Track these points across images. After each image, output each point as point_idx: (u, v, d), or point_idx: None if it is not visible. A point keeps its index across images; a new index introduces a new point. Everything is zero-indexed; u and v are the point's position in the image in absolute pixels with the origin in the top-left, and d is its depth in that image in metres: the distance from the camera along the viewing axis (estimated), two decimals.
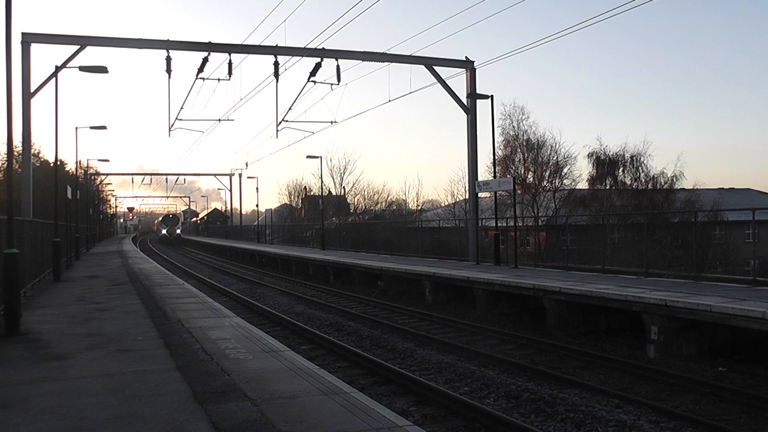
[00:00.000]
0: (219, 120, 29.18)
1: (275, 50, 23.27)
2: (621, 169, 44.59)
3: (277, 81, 23.78)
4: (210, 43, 22.76)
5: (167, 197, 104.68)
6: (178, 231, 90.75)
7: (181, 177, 77.28)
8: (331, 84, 24.26)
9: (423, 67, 24.88)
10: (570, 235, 26.27)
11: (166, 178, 78.99)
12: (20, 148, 21.70)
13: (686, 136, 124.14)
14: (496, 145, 32.98)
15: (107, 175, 72.63)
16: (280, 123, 26.57)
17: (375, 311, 18.82)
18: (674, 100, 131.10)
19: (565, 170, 44.82)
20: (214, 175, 78.09)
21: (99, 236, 62.80)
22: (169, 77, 22.65)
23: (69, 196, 27.99)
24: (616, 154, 44.62)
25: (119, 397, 6.25)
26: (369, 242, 35.35)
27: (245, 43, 23.57)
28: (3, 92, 10.43)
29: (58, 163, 27.43)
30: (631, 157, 44.41)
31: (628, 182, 44.46)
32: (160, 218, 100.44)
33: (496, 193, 25.33)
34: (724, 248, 36.49)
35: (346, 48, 26.51)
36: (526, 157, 44.61)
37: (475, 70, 25.12)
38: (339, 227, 48.29)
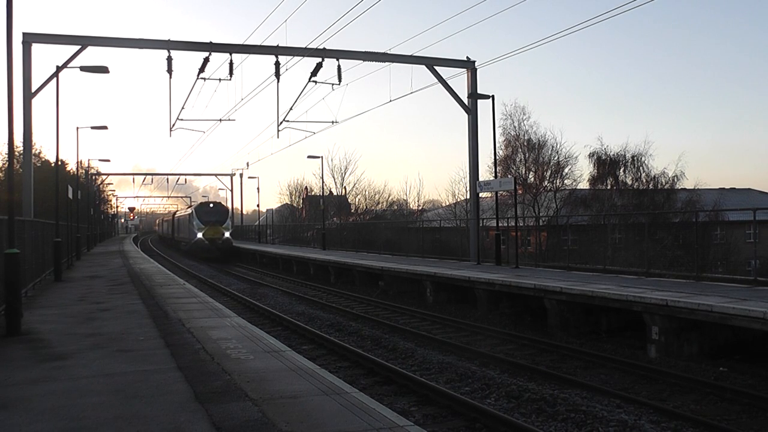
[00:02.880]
0: (220, 120, 29.15)
1: (276, 50, 23.28)
2: (622, 169, 44.64)
3: (278, 81, 23.78)
4: (211, 43, 22.77)
5: (168, 197, 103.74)
6: (227, 234, 48.04)
7: (182, 177, 77.06)
8: (332, 84, 24.27)
9: (424, 67, 24.88)
10: (571, 235, 26.28)
11: (167, 178, 78.82)
12: (21, 148, 21.71)
13: (687, 136, 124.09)
14: (497, 145, 33.01)
15: (108, 175, 72.63)
16: (281, 123, 26.58)
17: (376, 311, 18.82)
18: (675, 100, 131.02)
19: (566, 170, 44.87)
20: (216, 175, 78.01)
21: (100, 236, 62.83)
22: (170, 77, 22.66)
23: (70, 196, 28.01)
24: (617, 154, 44.71)
25: (120, 397, 6.26)
26: (370, 242, 35.37)
27: (246, 43, 23.59)
28: (4, 92, 10.44)
29: (59, 163, 27.44)
30: (632, 157, 44.47)
31: (629, 182, 44.51)
32: (190, 210, 53.29)
33: (497, 193, 25.33)
34: (725, 248, 36.49)
35: (347, 48, 26.46)
36: (527, 157, 44.63)
37: (476, 70, 25.12)
38: (340, 227, 48.31)
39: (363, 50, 24.39)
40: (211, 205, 50.98)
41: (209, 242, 46.85)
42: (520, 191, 40.21)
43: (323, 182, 49.93)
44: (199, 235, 47.09)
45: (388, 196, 65.78)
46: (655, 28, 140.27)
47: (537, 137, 44.50)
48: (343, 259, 28.67)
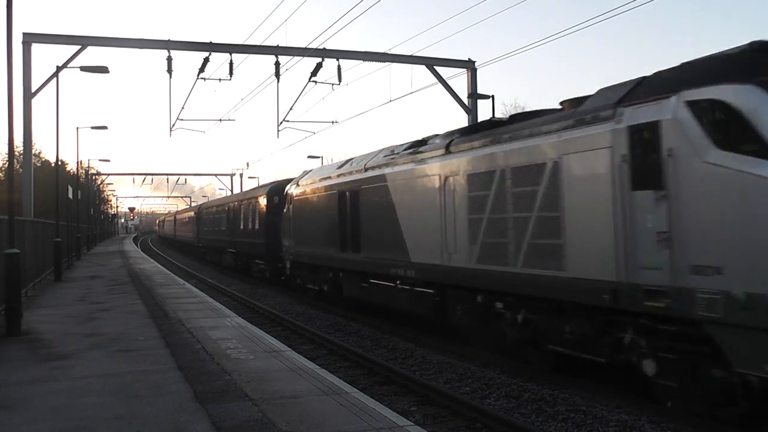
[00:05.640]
0: (220, 120, 29.14)
1: (276, 50, 23.28)
2: None
3: (278, 81, 23.76)
4: (211, 43, 22.77)
5: (168, 197, 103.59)
6: None
7: (182, 177, 77.00)
8: (332, 84, 24.26)
9: (424, 67, 24.89)
10: None
11: (167, 178, 78.79)
12: (21, 149, 21.72)
13: None
14: None
15: (108, 175, 72.64)
16: (281, 123, 26.56)
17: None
18: None
19: None
20: (216, 175, 78.03)
21: (100, 236, 62.83)
22: (170, 77, 22.63)
23: (70, 196, 28.04)
24: None
25: (120, 397, 6.26)
26: None
27: (246, 43, 23.58)
28: (4, 92, 10.47)
29: (59, 163, 27.46)
30: None
31: None
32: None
33: None
34: None
35: (347, 48, 26.56)
36: None
37: (476, 70, 25.11)
38: None
39: (363, 50, 24.43)
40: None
41: None
42: None
43: None
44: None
45: None
46: (656, 27, 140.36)
47: None
48: None
